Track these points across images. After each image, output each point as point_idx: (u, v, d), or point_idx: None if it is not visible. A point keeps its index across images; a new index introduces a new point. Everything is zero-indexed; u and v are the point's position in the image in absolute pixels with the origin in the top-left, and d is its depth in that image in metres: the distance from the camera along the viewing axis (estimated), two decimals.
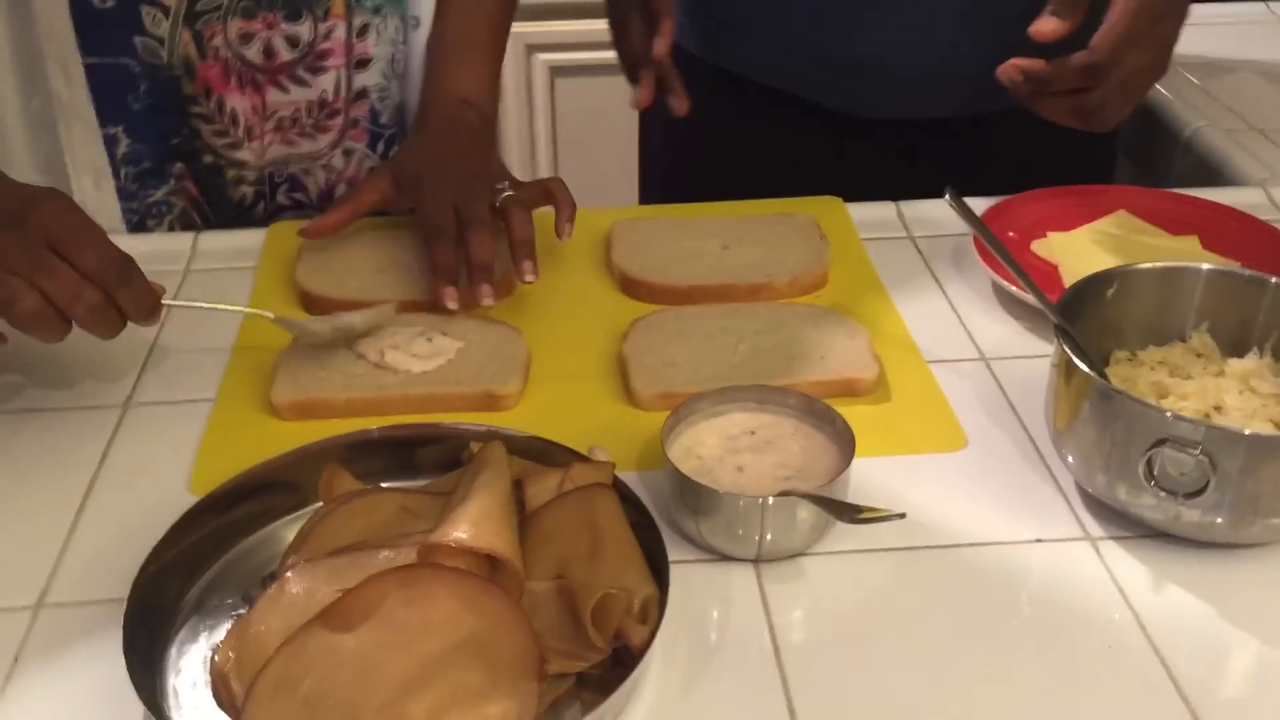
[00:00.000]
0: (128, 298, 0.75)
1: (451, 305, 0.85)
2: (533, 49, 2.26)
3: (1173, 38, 0.91)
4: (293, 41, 0.98)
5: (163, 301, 0.78)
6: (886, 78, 1.04)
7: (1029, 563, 0.69)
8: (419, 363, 0.81)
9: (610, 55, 1.28)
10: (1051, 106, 0.90)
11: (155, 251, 0.96)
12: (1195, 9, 1.54)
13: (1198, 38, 1.42)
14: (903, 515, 0.65)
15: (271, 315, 0.82)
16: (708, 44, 1.15)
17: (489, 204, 0.89)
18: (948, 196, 0.81)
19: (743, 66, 1.12)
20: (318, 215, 0.97)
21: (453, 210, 0.89)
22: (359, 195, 0.95)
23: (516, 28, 2.29)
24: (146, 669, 0.60)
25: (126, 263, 0.76)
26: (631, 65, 1.06)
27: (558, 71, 2.28)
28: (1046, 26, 0.88)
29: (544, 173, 2.38)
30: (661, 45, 0.97)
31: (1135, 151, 1.29)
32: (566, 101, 2.31)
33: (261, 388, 0.81)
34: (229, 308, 0.84)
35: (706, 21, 1.12)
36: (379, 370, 0.81)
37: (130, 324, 0.76)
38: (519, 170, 2.36)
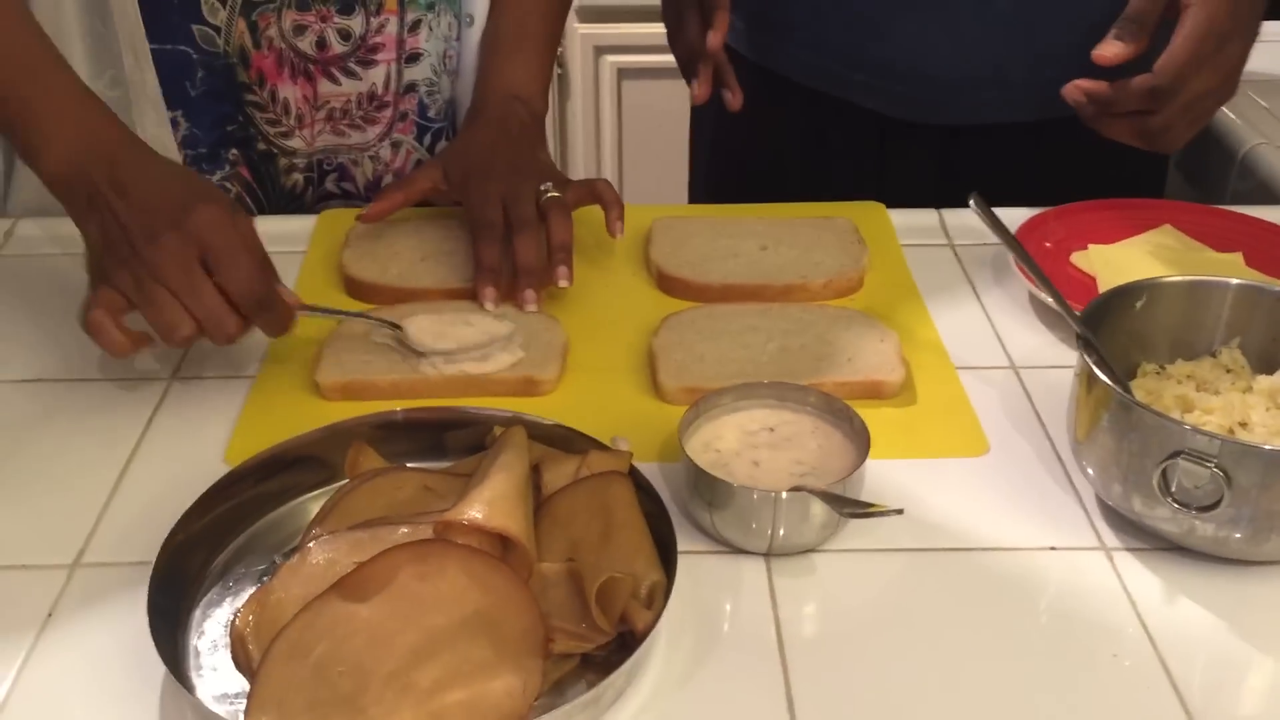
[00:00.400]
0: (265, 324, 0.79)
1: (489, 306, 0.87)
2: (601, 51, 2.29)
3: (1240, 60, 0.90)
4: (345, 35, 1.01)
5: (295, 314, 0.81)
6: (926, 81, 1.04)
7: (1042, 569, 0.69)
8: (478, 366, 0.83)
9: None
10: (1116, 127, 0.90)
11: None
12: (1263, 26, 1.52)
13: (1261, 54, 1.41)
14: (900, 511, 0.66)
15: (390, 326, 0.84)
16: (752, 44, 1.16)
17: (535, 203, 0.91)
18: (972, 203, 0.81)
19: (785, 67, 1.13)
20: (365, 204, 1.00)
21: (500, 206, 0.91)
22: (411, 183, 0.97)
23: (585, 29, 2.33)
24: (169, 630, 0.62)
25: (270, 289, 0.78)
26: (687, 61, 1.07)
27: (625, 74, 2.31)
28: (1110, 50, 0.87)
29: (609, 172, 2.41)
30: (716, 38, 0.98)
31: (1190, 168, 1.28)
32: (633, 103, 2.34)
33: (302, 367, 0.84)
34: (356, 315, 0.86)
35: (750, 21, 1.13)
36: (419, 359, 0.83)
37: None
38: (584, 170, 2.41)
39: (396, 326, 0.84)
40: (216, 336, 0.77)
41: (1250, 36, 0.91)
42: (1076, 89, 0.88)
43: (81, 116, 0.82)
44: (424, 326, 0.84)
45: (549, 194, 0.92)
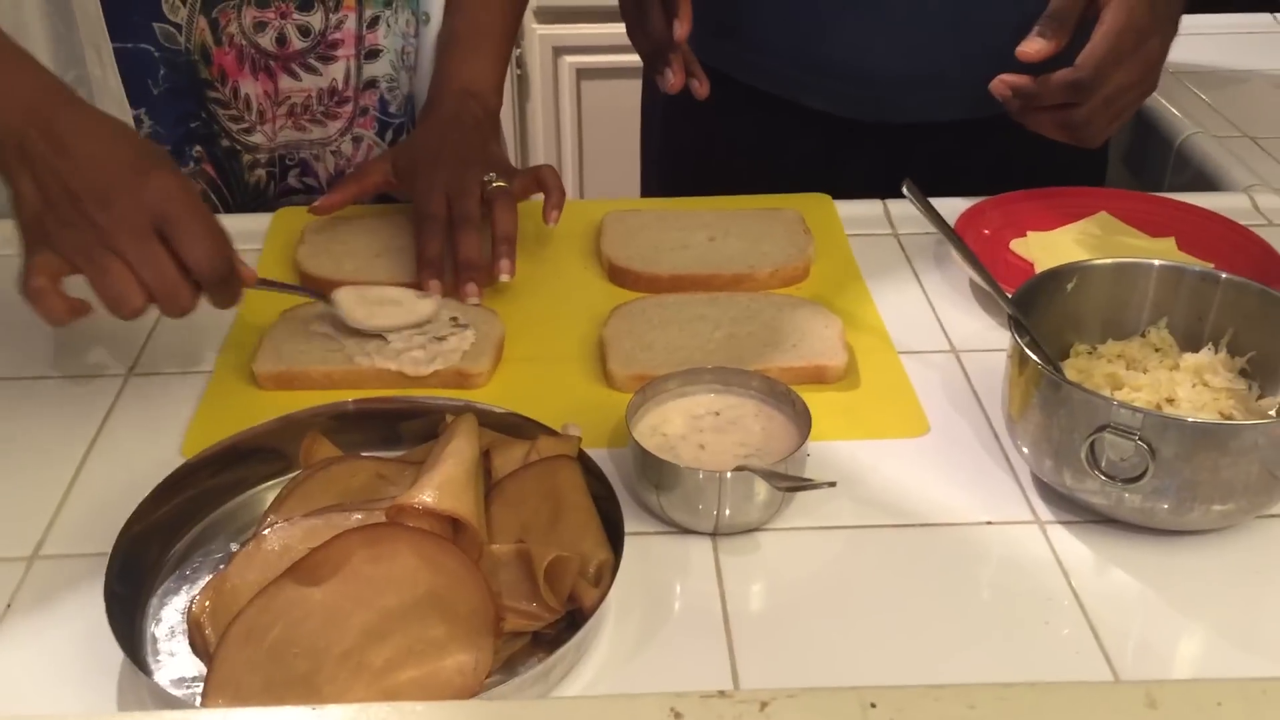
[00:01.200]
0: (218, 297, 0.77)
1: (434, 296, 0.89)
2: (560, 51, 2.30)
3: (1160, 55, 0.93)
4: (304, 31, 1.02)
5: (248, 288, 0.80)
6: (869, 80, 1.06)
7: (978, 543, 0.71)
8: (424, 366, 0.84)
9: (636, 59, 1.31)
10: (1040, 121, 0.93)
11: None
12: (1201, 19, 1.56)
13: (1203, 46, 1.45)
14: (832, 484, 0.68)
15: (324, 303, 0.86)
16: (698, 45, 1.17)
17: (479, 196, 0.93)
18: (905, 189, 0.84)
19: (731, 68, 1.15)
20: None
21: (444, 199, 0.92)
22: (361, 176, 0.99)
23: (544, 30, 2.34)
24: (127, 618, 0.64)
25: (227, 262, 0.76)
26: (652, 53, 1.06)
27: (584, 74, 2.33)
28: (1032, 47, 0.90)
29: (569, 171, 2.43)
30: (682, 29, 0.98)
31: (1131, 158, 1.31)
32: (592, 102, 2.35)
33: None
34: (302, 293, 0.88)
35: (695, 22, 1.15)
36: (357, 345, 0.84)
37: None
38: None
39: (325, 299, 0.86)
40: (170, 309, 0.75)
41: (1169, 33, 0.94)
42: (1002, 84, 0.91)
43: (11, 69, 0.77)
44: (352, 302, 0.86)
45: (494, 184, 0.93)
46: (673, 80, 1.00)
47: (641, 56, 1.11)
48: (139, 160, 0.75)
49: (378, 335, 0.85)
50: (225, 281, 0.77)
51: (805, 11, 1.07)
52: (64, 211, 0.73)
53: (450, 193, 0.92)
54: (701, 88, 1.03)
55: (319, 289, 0.89)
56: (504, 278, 0.90)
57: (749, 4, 1.10)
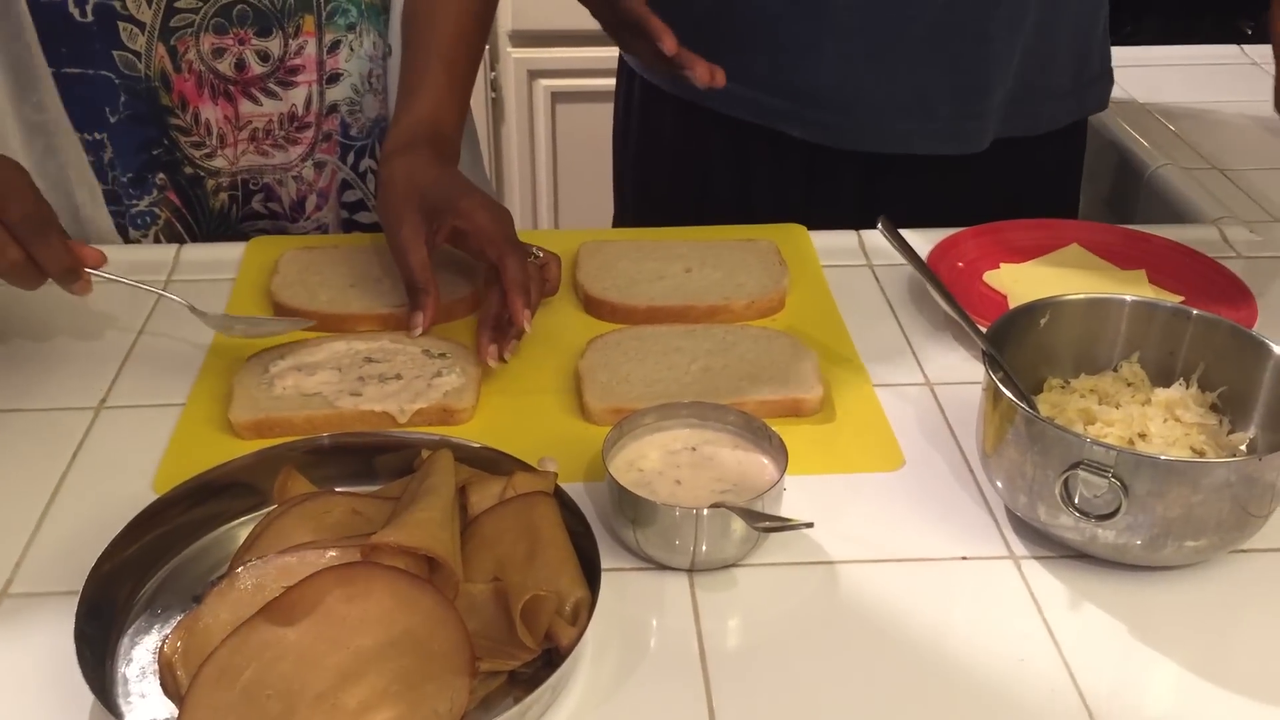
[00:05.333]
0: (44, 255, 0.82)
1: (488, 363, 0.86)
2: (534, 75, 2.31)
3: None
4: (264, 56, 1.02)
5: (88, 271, 0.84)
6: (847, 109, 1.07)
7: (953, 579, 0.71)
8: (409, 404, 0.83)
9: (612, 82, 1.31)
10: None
11: (140, 261, 1.01)
12: (1169, 51, 1.58)
13: (1172, 78, 1.47)
14: (809, 525, 0.68)
15: (181, 301, 0.88)
16: (671, 77, 1.18)
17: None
18: (880, 225, 0.84)
19: (707, 96, 1.15)
20: (291, 223, 1.03)
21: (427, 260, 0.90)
22: (422, 263, 0.90)
23: (519, 54, 2.35)
24: (97, 658, 0.63)
25: (46, 222, 0.82)
26: (619, 25, 1.04)
27: (559, 97, 2.33)
28: None
29: (544, 195, 2.43)
30: (670, 43, 0.94)
31: (1101, 190, 1.33)
32: (566, 126, 2.36)
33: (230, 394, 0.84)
34: (149, 289, 0.90)
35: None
36: (336, 386, 0.83)
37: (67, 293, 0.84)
38: (518, 192, 2.42)
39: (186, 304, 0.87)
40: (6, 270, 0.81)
41: None
42: None
43: None
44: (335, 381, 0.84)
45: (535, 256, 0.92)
46: (665, 44, 0.96)
47: (611, 31, 1.07)
48: None
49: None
50: (42, 240, 0.81)
51: (784, 39, 1.08)
52: None
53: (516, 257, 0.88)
54: (716, 74, 0.98)
55: (292, 314, 0.90)
56: (506, 355, 0.87)
57: (728, 31, 1.10)
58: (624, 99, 1.28)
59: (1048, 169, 1.18)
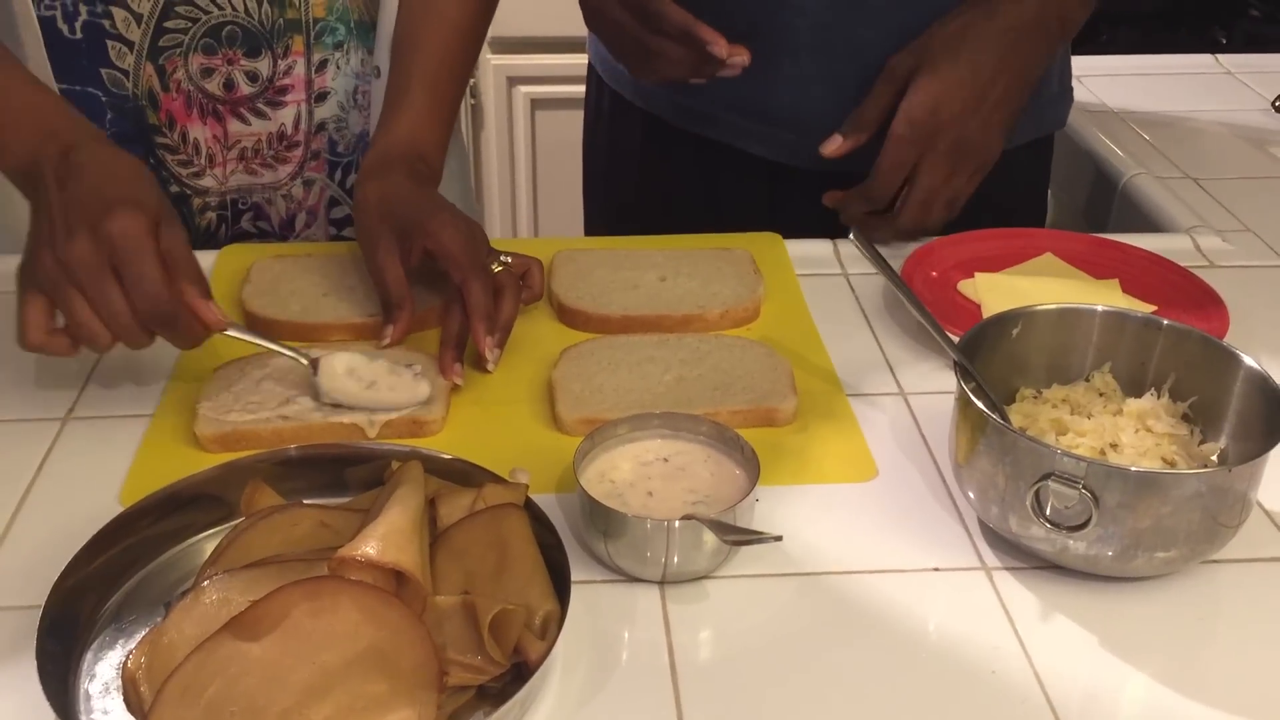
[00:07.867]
0: (169, 336, 0.79)
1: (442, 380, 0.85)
2: (514, 81, 2.31)
3: (981, 133, 0.99)
4: (252, 76, 1.01)
5: (215, 333, 0.80)
6: (805, 129, 1.06)
7: (926, 590, 0.71)
8: (381, 416, 0.82)
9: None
10: (873, 226, 1.03)
11: None
12: (1143, 60, 1.58)
13: (1146, 87, 1.47)
14: (778, 538, 0.68)
15: (305, 360, 0.82)
16: (639, 91, 1.18)
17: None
18: (852, 235, 0.84)
19: (673, 114, 1.15)
20: (280, 241, 1.02)
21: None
22: (398, 281, 0.89)
23: (498, 60, 2.34)
24: (60, 674, 0.62)
25: (172, 304, 0.77)
26: (636, 44, 1.03)
27: (538, 104, 2.33)
28: (830, 146, 1.02)
29: (523, 202, 2.43)
30: (720, 48, 0.96)
31: (1075, 199, 1.33)
32: (546, 133, 2.36)
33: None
34: (281, 350, 0.83)
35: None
36: (303, 399, 0.83)
37: None
38: (498, 200, 2.42)
39: (304, 358, 0.83)
40: (129, 345, 0.78)
41: (1002, 109, 0.99)
42: (830, 197, 1.03)
43: (36, 105, 0.83)
44: (340, 379, 0.82)
45: (501, 266, 0.90)
46: (723, 50, 0.97)
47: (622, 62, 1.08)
48: (115, 197, 0.76)
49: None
50: (166, 323, 0.78)
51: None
52: (42, 241, 0.76)
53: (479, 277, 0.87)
54: (737, 54, 0.98)
55: (271, 334, 0.88)
56: (490, 367, 0.87)
57: (693, 49, 1.10)
58: (593, 111, 1.28)
59: (1014, 183, 1.17)
